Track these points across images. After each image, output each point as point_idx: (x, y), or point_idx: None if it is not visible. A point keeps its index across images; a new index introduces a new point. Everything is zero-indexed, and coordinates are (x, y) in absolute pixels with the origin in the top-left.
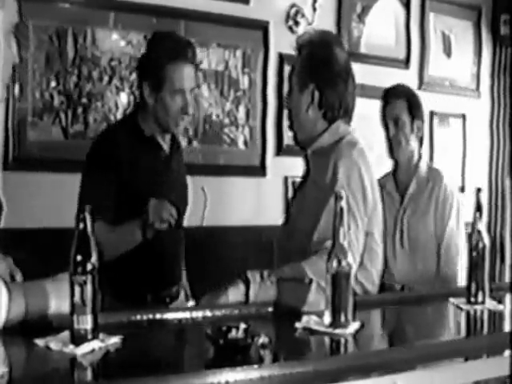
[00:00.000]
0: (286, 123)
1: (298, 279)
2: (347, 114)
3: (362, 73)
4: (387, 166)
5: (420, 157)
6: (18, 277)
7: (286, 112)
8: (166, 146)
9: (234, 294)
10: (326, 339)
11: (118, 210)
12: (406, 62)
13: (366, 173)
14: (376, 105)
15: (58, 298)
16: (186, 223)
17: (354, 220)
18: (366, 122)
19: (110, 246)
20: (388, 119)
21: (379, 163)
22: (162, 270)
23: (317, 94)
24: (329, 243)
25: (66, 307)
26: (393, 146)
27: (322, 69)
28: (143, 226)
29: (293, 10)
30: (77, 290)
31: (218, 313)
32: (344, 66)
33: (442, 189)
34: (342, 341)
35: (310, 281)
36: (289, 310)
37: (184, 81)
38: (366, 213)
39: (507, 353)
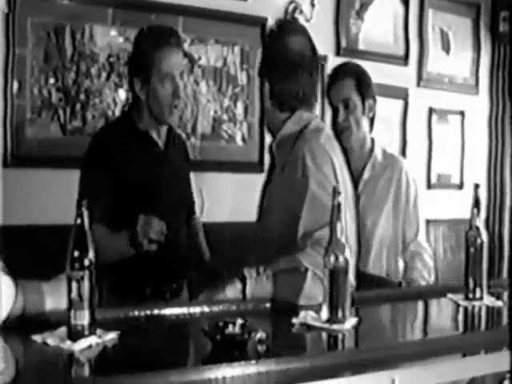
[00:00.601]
0: None
1: (293, 269)
2: (308, 102)
3: None
4: None
5: (373, 140)
6: None
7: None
8: (160, 142)
9: (231, 292)
10: (324, 335)
11: (114, 211)
12: (405, 59)
13: (336, 158)
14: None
15: (53, 298)
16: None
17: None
18: None
19: (105, 251)
20: (336, 102)
21: None
22: (164, 263)
23: (267, 86)
24: (318, 234)
25: (61, 305)
26: (343, 132)
27: (271, 61)
28: (132, 241)
29: (291, 7)
30: (74, 285)
31: (215, 308)
32: (298, 55)
33: (403, 176)
34: (340, 336)
35: (306, 270)
36: (286, 304)
37: (171, 65)
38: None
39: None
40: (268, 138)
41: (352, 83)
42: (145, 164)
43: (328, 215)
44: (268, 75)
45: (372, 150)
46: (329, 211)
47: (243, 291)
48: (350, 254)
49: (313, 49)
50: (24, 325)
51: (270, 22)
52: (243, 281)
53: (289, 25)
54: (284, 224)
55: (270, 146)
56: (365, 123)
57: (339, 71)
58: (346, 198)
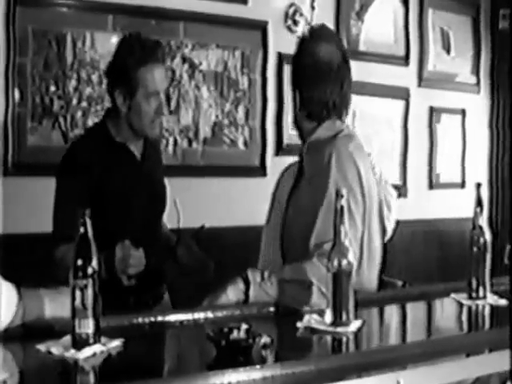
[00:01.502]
0: (285, 123)
1: (299, 281)
2: (338, 112)
3: (361, 70)
4: (386, 163)
5: None
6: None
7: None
8: (137, 152)
9: (234, 291)
10: (328, 338)
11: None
12: (406, 59)
13: (363, 167)
14: (376, 102)
15: (52, 304)
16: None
17: (352, 216)
18: (366, 119)
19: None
20: None
21: (378, 160)
22: (144, 272)
23: (298, 96)
24: (327, 246)
25: (61, 313)
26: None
27: (300, 69)
28: (109, 273)
29: (291, 10)
30: (78, 294)
31: (219, 314)
32: (327, 63)
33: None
34: (344, 339)
35: (311, 284)
36: (289, 310)
37: (157, 83)
38: (365, 208)
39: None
40: (270, 142)
41: None
42: (122, 175)
43: None
44: (297, 83)
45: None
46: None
47: (246, 293)
48: (377, 263)
49: (344, 57)
50: (27, 333)
51: (271, 26)
52: (246, 282)
53: (319, 32)
54: (306, 229)
55: (301, 151)
56: None
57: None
58: (372, 207)
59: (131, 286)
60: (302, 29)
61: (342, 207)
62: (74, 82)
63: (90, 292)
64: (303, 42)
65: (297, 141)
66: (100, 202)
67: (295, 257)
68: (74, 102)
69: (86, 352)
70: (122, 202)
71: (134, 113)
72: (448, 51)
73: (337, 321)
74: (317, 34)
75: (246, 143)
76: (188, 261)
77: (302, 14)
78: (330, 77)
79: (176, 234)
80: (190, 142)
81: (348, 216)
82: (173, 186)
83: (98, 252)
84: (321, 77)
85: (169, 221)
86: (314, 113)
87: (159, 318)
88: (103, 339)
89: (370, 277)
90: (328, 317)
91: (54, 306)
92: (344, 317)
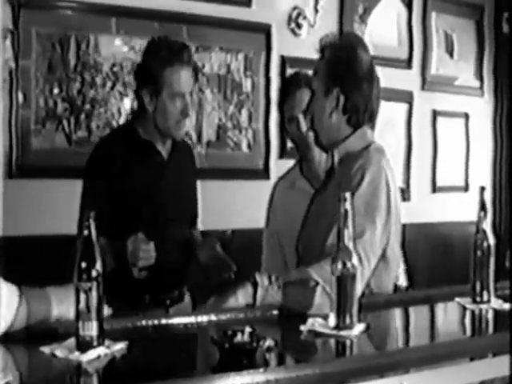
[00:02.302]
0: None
1: (303, 282)
2: (372, 119)
3: None
4: (397, 168)
5: None
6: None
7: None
8: (164, 152)
9: (244, 296)
10: (332, 341)
11: (115, 221)
12: (409, 62)
13: (392, 183)
14: (382, 106)
15: (59, 305)
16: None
17: (374, 227)
18: None
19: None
20: (295, 112)
21: None
22: (163, 271)
23: (342, 98)
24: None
25: (68, 314)
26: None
27: (347, 72)
28: (118, 258)
29: (295, 13)
30: (82, 296)
31: (223, 317)
32: (368, 68)
33: None
34: (348, 343)
35: (316, 284)
36: (294, 314)
37: (182, 84)
38: (388, 223)
39: None
40: (274, 145)
41: (308, 92)
42: (146, 173)
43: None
44: (342, 87)
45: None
46: (362, 236)
47: (254, 296)
48: (393, 276)
49: (372, 64)
50: (30, 335)
51: (274, 29)
52: (255, 286)
53: (354, 37)
54: (325, 236)
55: (332, 156)
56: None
57: (292, 82)
58: (396, 224)
59: (141, 279)
60: (305, 32)
61: (346, 211)
62: (77, 85)
63: (94, 294)
64: (345, 46)
65: None
66: (123, 198)
67: (311, 262)
68: (78, 104)
69: (90, 354)
70: (144, 198)
71: (160, 113)
72: (451, 54)
73: (340, 324)
74: (354, 39)
75: (249, 146)
76: (209, 261)
77: (305, 17)
78: (371, 82)
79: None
80: (193, 145)
81: (371, 227)
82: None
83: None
84: (364, 80)
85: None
86: (355, 117)
87: (163, 321)
88: (107, 342)
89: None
90: (332, 320)
91: (62, 307)
92: (348, 320)
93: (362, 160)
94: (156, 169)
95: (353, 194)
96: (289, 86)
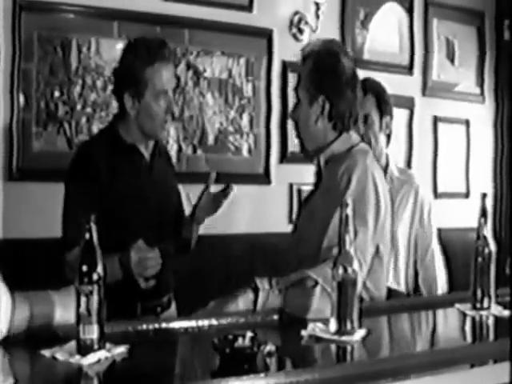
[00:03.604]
0: (290, 131)
1: (302, 284)
2: (356, 123)
3: None
4: None
5: (387, 155)
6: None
7: (291, 123)
8: (146, 155)
9: (244, 301)
10: (333, 347)
11: (101, 227)
12: (410, 68)
13: (380, 181)
14: None
15: (63, 308)
16: None
17: (366, 227)
18: None
19: None
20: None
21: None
22: (156, 277)
23: (327, 105)
24: (335, 251)
25: (71, 317)
26: None
27: (331, 80)
28: (122, 265)
29: (296, 18)
30: (83, 299)
31: (223, 321)
32: (351, 74)
33: (420, 191)
34: (349, 348)
35: (315, 284)
36: (294, 318)
37: (165, 81)
38: (379, 221)
39: None
40: (274, 149)
41: (373, 100)
42: (132, 177)
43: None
44: (327, 94)
45: (387, 164)
46: (355, 239)
47: (255, 302)
48: (386, 273)
49: (355, 70)
50: (31, 339)
51: (276, 34)
52: (255, 291)
53: (336, 44)
54: (317, 239)
55: (318, 161)
56: (382, 139)
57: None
58: (386, 221)
59: (148, 289)
60: (306, 37)
61: (347, 216)
62: (78, 88)
63: (95, 298)
64: (328, 54)
65: None
66: (109, 203)
67: (302, 261)
68: (79, 107)
69: (91, 358)
70: (132, 203)
71: (145, 115)
72: (452, 61)
73: (341, 329)
74: (336, 46)
75: (250, 151)
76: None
77: (306, 23)
78: (355, 88)
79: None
80: (194, 149)
81: (363, 228)
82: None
83: (110, 255)
84: (348, 86)
85: None
86: (340, 123)
87: (164, 325)
88: (108, 345)
89: (380, 285)
90: (332, 325)
91: (65, 312)
92: (349, 325)
93: (346, 162)
94: (141, 172)
95: (342, 198)
96: None
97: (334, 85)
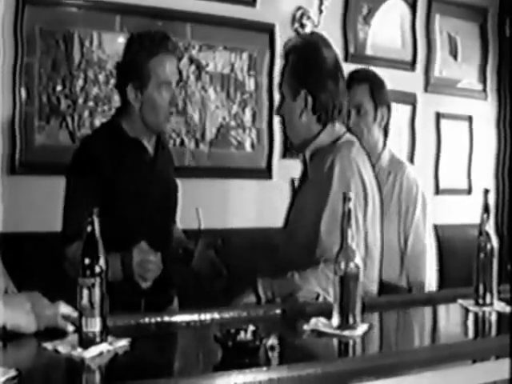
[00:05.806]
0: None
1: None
2: (341, 114)
3: None
4: None
5: (384, 147)
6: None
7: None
8: (150, 148)
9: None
10: (335, 341)
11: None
12: (412, 64)
13: (365, 171)
14: None
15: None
16: None
17: (356, 219)
18: None
19: None
20: (350, 107)
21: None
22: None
23: (310, 99)
24: (334, 251)
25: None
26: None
27: (311, 72)
28: (124, 263)
29: (299, 13)
30: (85, 292)
31: (226, 315)
32: (333, 65)
33: (405, 181)
34: (351, 343)
35: (317, 296)
36: (297, 313)
37: (168, 73)
38: (367, 212)
39: None
40: (277, 144)
41: (366, 89)
42: (135, 171)
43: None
44: (308, 88)
45: (379, 156)
46: None
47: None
48: (377, 264)
49: (337, 60)
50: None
51: (278, 29)
52: (258, 295)
53: (316, 37)
54: (310, 233)
55: (303, 156)
56: (376, 130)
57: (354, 77)
58: (374, 212)
59: (147, 288)
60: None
61: (349, 210)
62: (81, 82)
63: (97, 291)
64: (306, 46)
65: None
66: (112, 198)
67: (300, 260)
68: (81, 101)
69: (93, 351)
70: (135, 198)
71: (148, 107)
72: (455, 57)
73: (343, 324)
74: (316, 38)
75: (252, 145)
76: (202, 267)
77: (309, 18)
78: (337, 79)
79: (193, 240)
80: (196, 144)
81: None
82: (179, 187)
83: (112, 251)
84: (333, 79)
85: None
86: (325, 115)
87: (166, 319)
88: (110, 338)
89: (372, 277)
90: (335, 320)
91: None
92: (351, 320)
93: (331, 155)
94: (145, 166)
95: (328, 192)
96: (350, 81)
97: (314, 77)
